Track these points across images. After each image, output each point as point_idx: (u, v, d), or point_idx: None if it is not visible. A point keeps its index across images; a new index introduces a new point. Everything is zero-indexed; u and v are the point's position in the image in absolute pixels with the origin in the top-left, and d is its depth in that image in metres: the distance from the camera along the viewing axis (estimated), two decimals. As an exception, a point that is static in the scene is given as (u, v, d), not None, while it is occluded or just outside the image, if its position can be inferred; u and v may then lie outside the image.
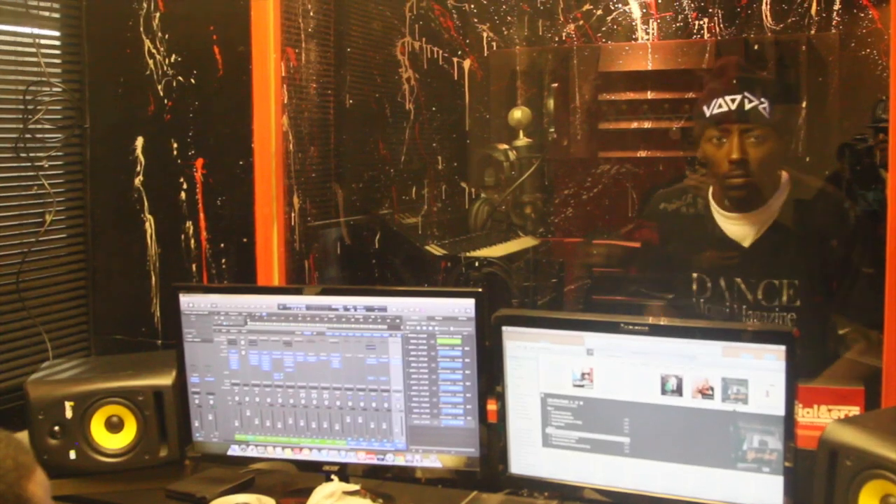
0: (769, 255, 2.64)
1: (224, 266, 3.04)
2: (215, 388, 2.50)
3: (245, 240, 2.97)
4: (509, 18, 3.11)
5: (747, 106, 2.57)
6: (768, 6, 2.68)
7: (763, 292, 2.64)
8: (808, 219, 2.67)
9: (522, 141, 3.24)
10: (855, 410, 2.35)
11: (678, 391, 2.06)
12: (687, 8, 2.81)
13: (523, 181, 3.22)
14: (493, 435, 2.31)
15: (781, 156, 2.69)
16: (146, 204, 3.13)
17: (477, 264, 3.10)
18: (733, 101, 2.57)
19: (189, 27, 3.02)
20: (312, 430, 2.45)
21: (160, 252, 3.13)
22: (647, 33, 2.89)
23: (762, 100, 2.57)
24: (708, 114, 2.62)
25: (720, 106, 2.59)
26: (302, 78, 3.14)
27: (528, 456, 2.26)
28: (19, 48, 2.95)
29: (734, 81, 2.63)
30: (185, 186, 3.07)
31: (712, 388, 2.03)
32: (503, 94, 3.29)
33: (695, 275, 2.72)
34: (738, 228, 2.68)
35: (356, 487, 2.33)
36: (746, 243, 2.67)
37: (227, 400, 2.49)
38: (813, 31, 2.69)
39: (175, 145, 3.06)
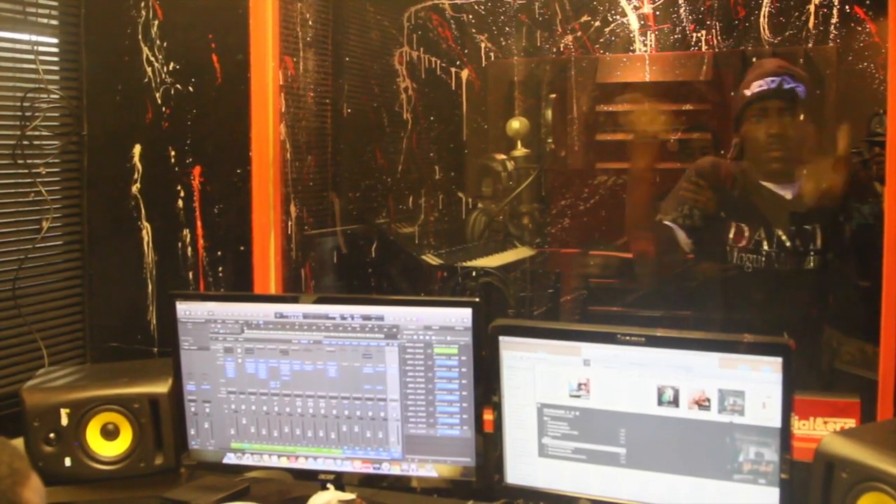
0: (806, 206, 2.78)
1: (221, 274, 3.04)
2: (211, 396, 2.49)
3: (242, 248, 2.97)
4: (507, 29, 3.12)
5: (786, 86, 2.72)
6: (766, 19, 2.69)
7: (800, 239, 2.76)
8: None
9: (520, 151, 3.24)
10: (851, 423, 2.36)
11: (675, 402, 2.06)
12: (685, 20, 2.81)
13: (521, 191, 3.23)
14: (490, 445, 2.31)
15: (811, 139, 2.85)
16: (143, 211, 3.13)
17: (474, 274, 3.10)
18: (773, 81, 2.72)
19: (187, 35, 3.02)
20: (308, 439, 2.45)
21: (157, 260, 3.12)
22: (645, 45, 2.90)
23: (799, 84, 2.72)
24: (749, 93, 2.75)
25: (761, 86, 2.73)
26: (300, 87, 3.14)
27: (524, 466, 2.25)
28: (17, 55, 2.95)
29: (774, 68, 2.76)
30: (182, 194, 3.07)
31: (709, 400, 2.03)
32: (501, 104, 3.30)
33: (733, 223, 2.82)
34: (780, 188, 2.81)
35: (352, 496, 2.33)
36: (789, 196, 2.80)
37: (223, 408, 2.49)
38: (810, 45, 2.70)
39: (173, 153, 3.06)
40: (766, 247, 2.76)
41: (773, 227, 2.76)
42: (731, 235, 2.80)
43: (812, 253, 2.75)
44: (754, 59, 2.86)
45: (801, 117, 2.74)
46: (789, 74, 2.71)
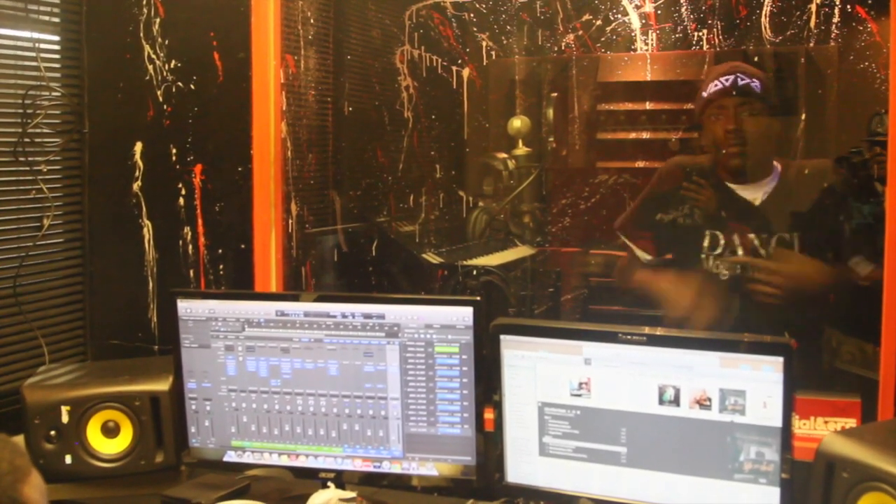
0: (779, 211, 2.77)
1: (222, 272, 3.04)
2: (212, 393, 2.49)
3: (243, 246, 2.97)
4: (509, 28, 3.12)
5: (740, 83, 2.73)
6: (767, 18, 2.69)
7: (776, 246, 2.74)
8: (805, 185, 2.82)
9: (521, 150, 3.24)
10: (851, 422, 2.36)
11: (676, 401, 2.06)
12: (686, 19, 2.81)
13: (522, 190, 3.23)
14: (490, 443, 2.31)
15: (773, 135, 2.85)
16: (144, 209, 3.13)
17: (475, 273, 3.10)
18: (727, 79, 2.74)
19: (189, 33, 3.02)
20: (309, 437, 2.45)
21: (158, 257, 3.12)
22: (647, 44, 2.90)
23: (753, 79, 2.73)
24: (706, 94, 2.77)
25: (716, 85, 2.75)
26: (301, 85, 3.14)
27: (524, 465, 2.25)
28: (19, 52, 2.95)
29: (727, 67, 2.78)
30: (183, 192, 3.07)
31: (710, 399, 2.03)
32: (502, 103, 3.30)
33: (707, 231, 2.81)
34: (748, 192, 2.80)
35: (352, 495, 2.33)
36: (757, 202, 2.78)
37: (223, 406, 2.49)
38: (812, 44, 2.70)
39: (174, 151, 3.06)
40: (740, 251, 2.76)
41: (748, 235, 2.76)
42: (705, 244, 2.80)
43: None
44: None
45: (757, 113, 2.74)
46: (742, 72, 2.74)
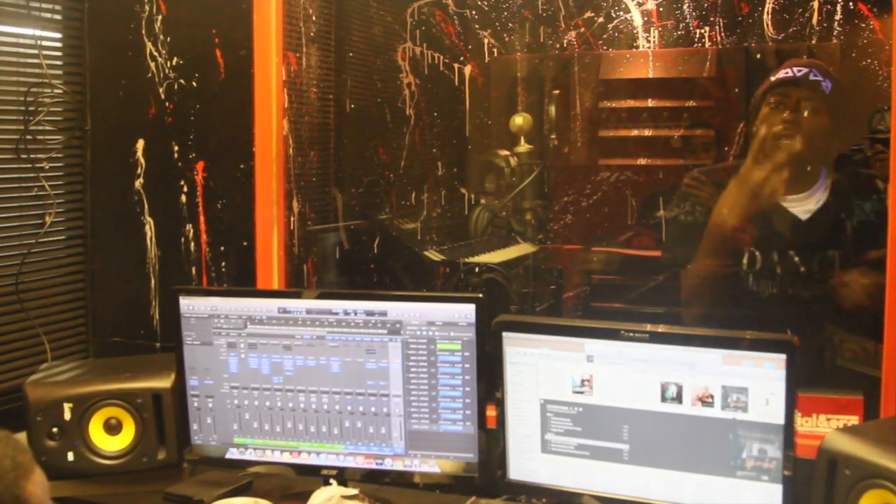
0: (826, 227, 2.66)
1: (224, 269, 3.04)
2: (214, 391, 2.49)
3: (245, 243, 2.97)
4: (511, 25, 3.11)
5: (812, 78, 2.62)
6: (770, 15, 2.68)
7: (818, 264, 2.65)
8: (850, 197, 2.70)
9: (523, 147, 3.23)
10: (854, 420, 2.35)
11: (678, 398, 2.06)
12: (688, 16, 2.81)
13: (524, 188, 3.22)
14: (492, 440, 2.31)
15: (829, 142, 2.71)
16: (146, 206, 3.13)
17: (477, 270, 3.10)
18: (799, 70, 2.63)
19: (191, 30, 3.02)
20: (311, 434, 2.45)
21: (160, 255, 3.12)
22: (649, 41, 2.89)
23: (826, 79, 2.62)
24: (773, 79, 2.67)
25: (787, 73, 2.64)
26: (303, 82, 3.14)
27: (526, 462, 2.26)
28: (21, 49, 2.96)
29: (804, 60, 2.68)
30: (185, 189, 3.07)
31: (712, 396, 2.03)
32: (504, 100, 3.29)
33: (746, 251, 2.72)
34: (797, 206, 2.69)
35: (354, 492, 2.33)
36: (805, 217, 2.68)
37: (225, 403, 2.49)
38: (814, 41, 2.69)
39: (176, 148, 3.07)
40: (779, 271, 2.67)
41: (787, 250, 2.66)
42: (745, 261, 2.71)
43: (829, 279, 2.65)
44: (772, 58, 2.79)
45: (821, 114, 2.62)
46: (818, 68, 2.63)
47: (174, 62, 3.05)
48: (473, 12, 3.11)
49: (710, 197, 2.80)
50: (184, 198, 3.07)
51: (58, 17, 3.09)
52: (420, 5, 3.20)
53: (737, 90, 2.88)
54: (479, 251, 3.22)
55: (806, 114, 2.62)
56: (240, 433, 2.50)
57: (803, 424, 2.35)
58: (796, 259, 2.66)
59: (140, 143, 3.12)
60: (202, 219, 3.06)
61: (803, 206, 2.68)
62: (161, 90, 3.07)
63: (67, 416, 2.48)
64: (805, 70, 2.62)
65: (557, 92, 3.21)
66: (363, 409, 2.40)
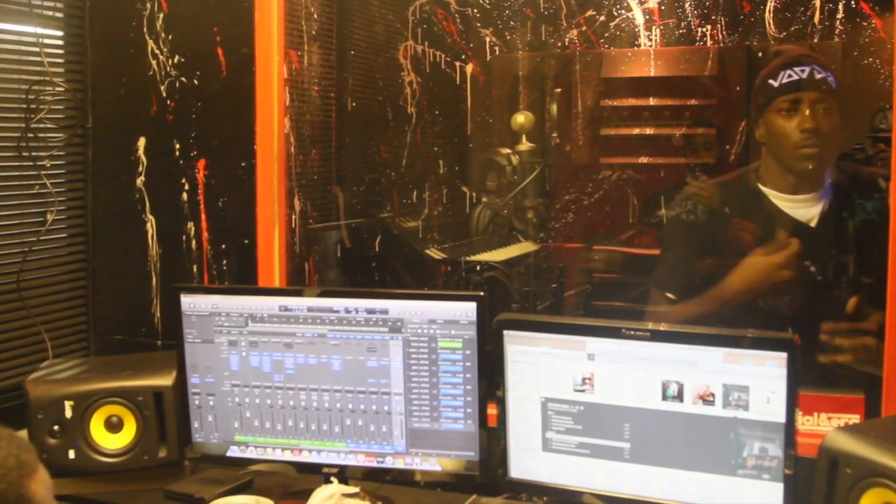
0: (835, 232, 2.60)
1: (225, 267, 3.04)
2: (215, 389, 2.50)
3: (246, 241, 2.97)
4: (512, 23, 3.11)
5: (818, 76, 2.54)
6: (771, 14, 2.68)
7: (833, 271, 2.57)
8: (851, 196, 2.63)
9: (524, 146, 3.24)
10: (855, 419, 2.36)
11: (679, 397, 2.06)
12: (690, 15, 2.81)
13: (525, 186, 3.23)
14: (493, 439, 2.31)
15: (842, 138, 2.64)
16: (148, 204, 3.13)
17: (478, 268, 3.10)
18: (803, 70, 2.54)
19: (192, 28, 3.02)
20: (312, 432, 2.45)
21: (161, 253, 3.12)
22: (650, 40, 2.89)
23: (829, 73, 2.55)
24: (777, 84, 2.57)
25: (790, 76, 2.55)
26: (304, 80, 3.14)
27: (527, 460, 2.26)
28: (22, 47, 2.95)
29: (800, 56, 2.60)
30: (186, 187, 3.07)
31: (713, 395, 2.03)
32: (506, 98, 3.29)
33: None
34: (804, 210, 2.62)
35: (355, 490, 2.33)
36: (813, 223, 2.61)
37: (226, 401, 2.49)
38: (816, 40, 2.69)
39: (177, 146, 3.07)
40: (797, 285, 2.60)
41: (802, 260, 2.57)
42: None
43: (844, 285, 2.58)
44: (775, 48, 2.70)
45: (833, 111, 2.55)
46: (818, 63, 2.56)
47: (176, 60, 3.05)
48: (475, 10, 3.11)
49: (711, 196, 2.79)
50: (185, 196, 3.07)
51: (59, 14, 3.09)
52: (422, 3, 3.20)
53: (738, 89, 2.88)
54: (480, 249, 3.22)
55: (821, 119, 2.54)
56: (241, 431, 2.50)
57: (804, 423, 2.36)
58: (813, 269, 2.59)
59: (141, 141, 3.12)
60: (203, 217, 3.06)
61: (809, 211, 2.62)
62: (162, 88, 3.07)
63: (68, 413, 2.48)
64: (808, 69, 2.54)
65: (559, 90, 3.21)
66: (364, 408, 2.40)
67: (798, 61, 2.57)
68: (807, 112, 2.52)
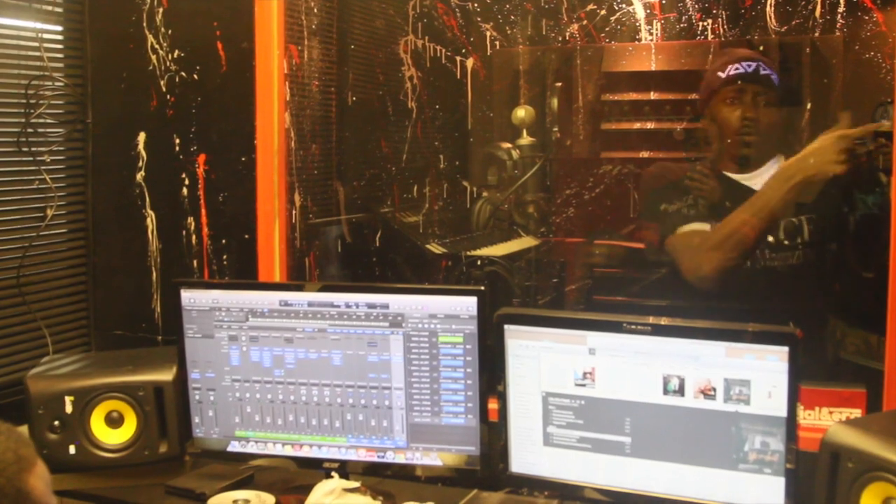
0: None
1: (225, 262, 3.04)
2: (216, 384, 2.49)
3: (246, 236, 2.97)
4: (513, 18, 3.11)
5: (762, 72, 2.72)
6: (772, 8, 2.68)
7: (784, 232, 2.71)
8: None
9: (525, 140, 3.23)
10: (857, 413, 2.35)
11: (680, 391, 2.06)
12: (691, 9, 2.80)
13: (526, 180, 3.22)
14: (494, 433, 2.31)
15: (783, 131, 2.83)
16: (148, 199, 3.13)
17: (479, 263, 3.10)
18: (749, 65, 2.72)
19: (192, 23, 3.02)
20: (313, 427, 2.45)
21: (161, 248, 3.12)
22: (651, 34, 2.89)
23: (773, 72, 2.73)
24: (724, 75, 2.75)
25: (737, 69, 2.72)
26: (304, 75, 3.13)
27: (528, 455, 2.25)
28: (22, 42, 2.96)
29: (748, 54, 2.76)
30: (186, 182, 3.07)
31: (714, 389, 2.02)
32: (506, 93, 3.29)
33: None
34: (750, 181, 2.76)
35: (356, 485, 2.33)
36: (757, 187, 2.70)
37: (227, 396, 2.49)
38: (817, 34, 2.68)
39: (177, 141, 3.06)
40: (773, 240, 2.70)
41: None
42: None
43: (799, 247, 2.70)
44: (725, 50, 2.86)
45: (774, 105, 2.74)
46: (764, 62, 2.73)
47: (175, 55, 3.04)
48: (475, 5, 3.11)
49: (711, 191, 2.79)
50: (185, 191, 3.07)
51: (59, 9, 3.09)
52: (422, -2, 3.20)
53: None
54: (481, 244, 3.22)
55: (762, 110, 2.72)
56: (241, 426, 2.50)
57: (806, 417, 2.35)
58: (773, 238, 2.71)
59: (141, 136, 3.12)
60: (204, 212, 3.06)
61: (763, 179, 2.71)
62: (162, 83, 3.07)
63: (69, 409, 2.48)
64: (755, 64, 2.72)
65: (560, 85, 3.21)
66: (365, 402, 2.40)
67: (744, 58, 2.74)
68: (749, 102, 2.72)
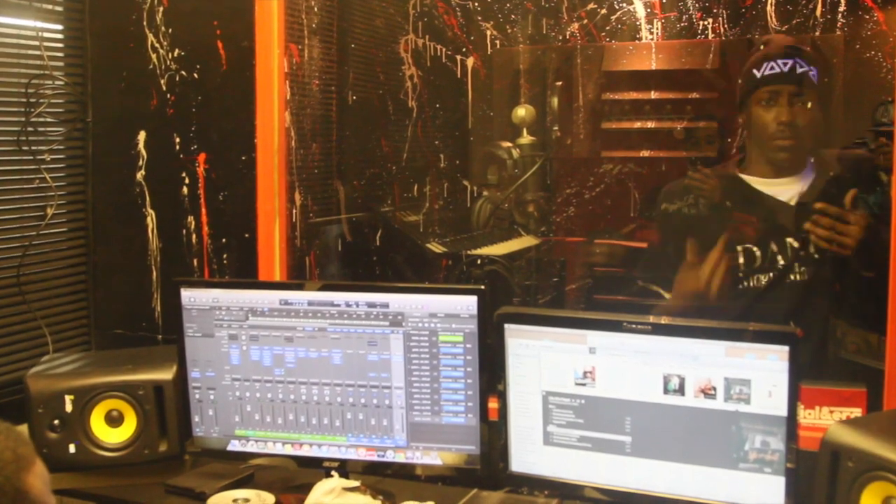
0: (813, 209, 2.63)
1: (225, 261, 3.04)
2: (216, 383, 2.49)
3: (247, 235, 2.97)
4: (513, 16, 3.10)
5: (798, 70, 2.63)
6: (773, 7, 2.67)
7: (815, 245, 2.62)
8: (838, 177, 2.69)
9: (526, 139, 3.23)
10: (857, 412, 2.35)
11: (680, 391, 2.06)
12: (691, 8, 2.80)
13: (526, 179, 3.22)
14: (494, 433, 2.31)
15: (820, 131, 2.73)
16: (148, 198, 3.13)
17: (479, 262, 3.09)
18: (785, 64, 2.63)
19: (193, 22, 3.02)
20: (313, 426, 2.45)
21: (161, 247, 3.12)
22: (651, 33, 2.88)
23: (811, 67, 2.63)
24: (759, 75, 2.67)
25: (772, 68, 2.64)
26: (305, 74, 3.13)
27: (528, 454, 2.25)
28: (22, 41, 2.95)
29: (785, 49, 2.67)
30: (187, 181, 3.07)
31: (715, 388, 2.02)
32: (506, 92, 3.28)
33: (739, 248, 2.69)
34: (783, 189, 2.70)
35: (356, 484, 2.32)
36: (793, 202, 2.68)
37: (227, 395, 2.49)
38: (818, 33, 2.68)
39: (177, 140, 3.06)
40: (781, 260, 2.66)
41: (784, 237, 2.65)
42: (741, 261, 2.69)
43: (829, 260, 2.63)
44: (765, 38, 2.74)
45: (811, 105, 2.64)
46: (801, 57, 2.64)
47: (176, 54, 3.04)
48: (476, 4, 3.11)
49: (712, 190, 2.79)
50: (185, 190, 3.07)
51: (59, 8, 3.09)
52: (422, -3, 3.20)
53: (740, 82, 2.87)
54: (481, 243, 3.22)
55: (797, 112, 2.64)
56: (241, 425, 2.50)
57: (806, 416, 2.35)
58: (795, 245, 2.65)
59: (141, 135, 3.12)
60: (204, 211, 3.05)
61: (789, 191, 2.68)
62: (163, 82, 3.06)
63: (69, 408, 2.48)
64: (790, 62, 2.63)
65: (560, 84, 3.20)
66: (365, 401, 2.40)
67: (782, 54, 2.64)
68: (785, 104, 2.63)
